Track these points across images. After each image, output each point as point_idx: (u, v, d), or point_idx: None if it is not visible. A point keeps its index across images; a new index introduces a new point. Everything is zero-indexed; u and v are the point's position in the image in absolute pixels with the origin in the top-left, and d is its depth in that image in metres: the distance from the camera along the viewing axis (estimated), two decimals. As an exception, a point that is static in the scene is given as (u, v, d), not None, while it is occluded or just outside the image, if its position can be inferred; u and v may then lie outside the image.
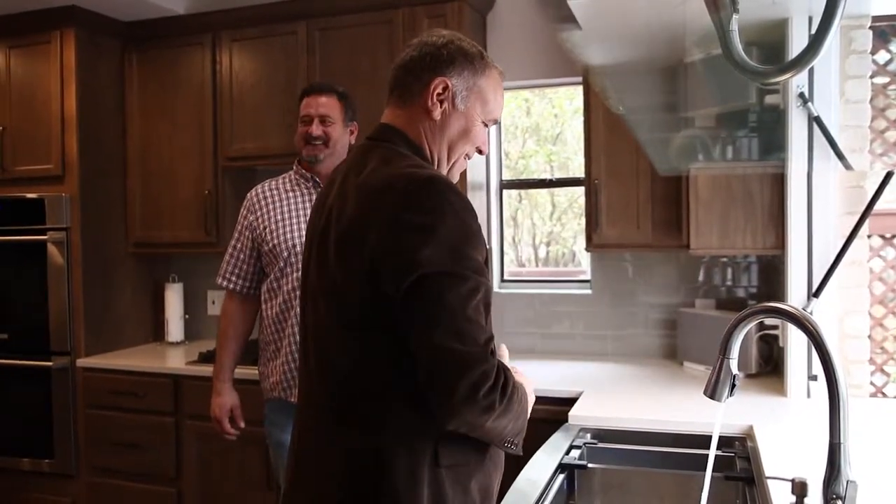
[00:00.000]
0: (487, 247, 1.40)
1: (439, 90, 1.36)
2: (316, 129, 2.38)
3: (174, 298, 3.80)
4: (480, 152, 1.46)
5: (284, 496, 1.41)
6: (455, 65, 1.38)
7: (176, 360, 3.44)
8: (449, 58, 1.38)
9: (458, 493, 1.27)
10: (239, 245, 2.49)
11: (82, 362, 3.46)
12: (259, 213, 2.44)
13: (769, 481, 1.63)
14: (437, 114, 1.37)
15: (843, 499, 1.15)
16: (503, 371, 1.23)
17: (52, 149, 3.49)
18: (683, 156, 2.79)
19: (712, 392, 1.33)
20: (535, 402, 1.43)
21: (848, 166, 2.44)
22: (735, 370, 1.31)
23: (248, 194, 2.52)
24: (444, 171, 1.41)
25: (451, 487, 1.25)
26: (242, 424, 2.54)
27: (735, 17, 1.14)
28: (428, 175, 1.26)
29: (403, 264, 1.19)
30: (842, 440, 1.17)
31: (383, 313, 1.22)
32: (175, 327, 3.81)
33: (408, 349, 1.21)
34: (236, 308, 2.51)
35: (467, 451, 1.29)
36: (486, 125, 1.44)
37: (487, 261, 1.28)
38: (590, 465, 1.99)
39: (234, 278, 2.49)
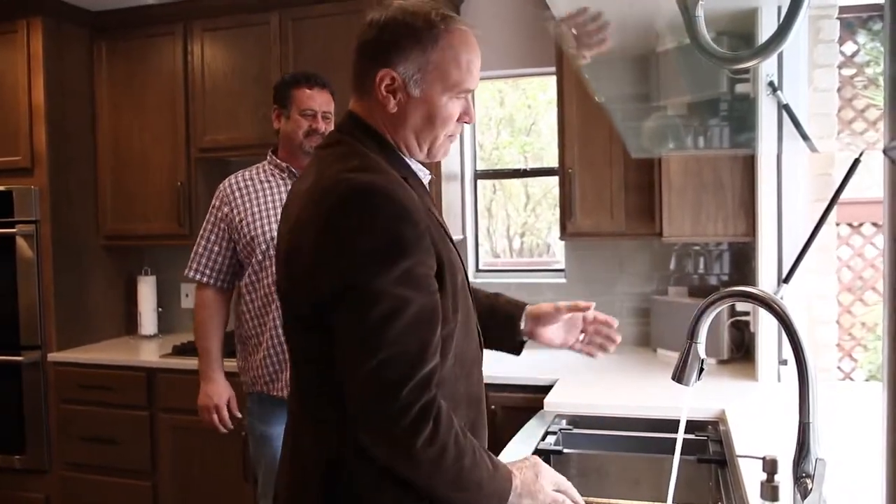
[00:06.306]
0: (454, 248, 1.28)
1: (387, 82, 1.23)
2: (322, 126, 2.38)
3: (147, 291, 3.77)
4: (467, 122, 1.31)
5: (274, 498, 1.40)
6: (399, 49, 1.22)
7: (149, 354, 3.41)
8: (391, 42, 1.22)
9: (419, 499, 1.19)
10: (214, 237, 2.41)
11: (53, 356, 3.42)
12: (234, 205, 2.38)
13: (741, 460, 1.66)
14: (391, 106, 1.24)
15: (812, 476, 1.18)
16: (438, 413, 1.11)
17: (20, 140, 3.43)
18: (656, 139, 2.82)
19: (679, 376, 1.34)
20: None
21: (813, 148, 2.48)
22: (703, 355, 1.32)
23: (221, 185, 2.45)
24: (422, 157, 1.32)
25: (416, 492, 1.18)
26: (239, 414, 2.46)
27: (700, 2, 1.15)
28: (363, 181, 1.16)
29: (326, 274, 1.14)
30: (811, 419, 1.19)
31: (325, 317, 1.17)
32: (148, 320, 3.77)
33: None
34: (213, 298, 2.43)
35: None
36: (458, 98, 1.27)
37: (443, 268, 1.19)
38: (565, 451, 2.01)
39: (208, 272, 2.41)
